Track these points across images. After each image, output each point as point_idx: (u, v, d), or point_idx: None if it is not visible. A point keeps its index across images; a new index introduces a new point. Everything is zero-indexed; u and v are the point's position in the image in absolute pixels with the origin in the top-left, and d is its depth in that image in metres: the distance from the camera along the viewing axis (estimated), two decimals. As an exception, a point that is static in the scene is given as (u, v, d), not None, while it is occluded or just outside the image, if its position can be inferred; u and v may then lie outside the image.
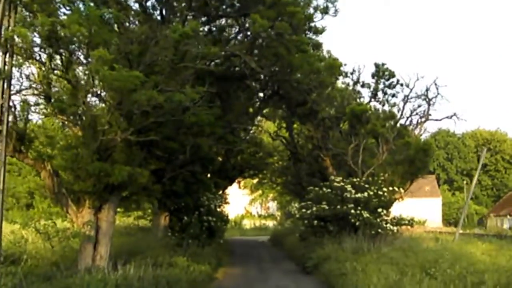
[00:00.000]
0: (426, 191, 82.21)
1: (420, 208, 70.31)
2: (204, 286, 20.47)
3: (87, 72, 15.46)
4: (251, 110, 29.85)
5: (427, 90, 32.25)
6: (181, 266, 20.25)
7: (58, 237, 18.86)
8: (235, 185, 64.47)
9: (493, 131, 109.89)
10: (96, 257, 18.52)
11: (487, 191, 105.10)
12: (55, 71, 16.60)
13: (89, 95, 17.34)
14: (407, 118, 33.84)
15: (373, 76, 34.22)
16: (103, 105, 17.80)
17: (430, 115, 32.57)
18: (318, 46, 25.24)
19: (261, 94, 31.41)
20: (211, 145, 24.21)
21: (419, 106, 33.71)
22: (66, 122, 19.11)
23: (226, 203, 38.57)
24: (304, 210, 29.60)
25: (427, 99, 32.22)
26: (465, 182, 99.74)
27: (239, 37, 23.45)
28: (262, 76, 26.65)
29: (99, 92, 16.82)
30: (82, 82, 16.18)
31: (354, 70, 35.23)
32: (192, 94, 16.31)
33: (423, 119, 32.83)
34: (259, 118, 45.83)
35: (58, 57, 16.80)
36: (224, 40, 21.70)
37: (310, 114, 31.63)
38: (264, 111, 34.94)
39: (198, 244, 26.62)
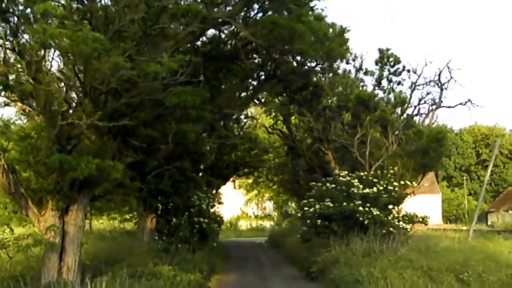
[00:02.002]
0: (425, 187, 79.13)
1: (420, 205, 67.22)
2: (193, 300, 17.05)
3: (36, 37, 11.96)
4: (243, 95, 26.34)
5: (439, 74, 29.03)
6: (166, 276, 16.82)
7: (16, 245, 15.39)
8: (230, 185, 61.62)
9: (491, 126, 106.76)
10: (62, 268, 15.11)
11: (486, 186, 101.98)
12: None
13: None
14: (415, 107, 30.69)
15: (376, 62, 31.12)
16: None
17: (442, 101, 29.32)
18: (320, 19, 21.78)
19: (255, 83, 27.85)
20: (198, 134, 20.66)
21: (428, 93, 30.67)
22: (27, 110, 15.68)
23: (220, 203, 35.24)
24: (306, 209, 26.18)
25: (439, 84, 29.01)
26: (464, 178, 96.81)
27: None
28: (257, 58, 23.35)
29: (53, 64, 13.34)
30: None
31: (356, 57, 32.08)
32: (171, 64, 12.88)
33: (434, 107, 29.56)
34: (253, 111, 42.72)
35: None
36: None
37: (311, 100, 28.29)
38: (260, 96, 31.42)
39: (188, 248, 23.22)
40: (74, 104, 14.62)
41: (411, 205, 27.64)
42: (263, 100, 35.00)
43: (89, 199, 16.25)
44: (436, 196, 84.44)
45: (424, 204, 78.04)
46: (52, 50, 12.64)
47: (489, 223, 75.39)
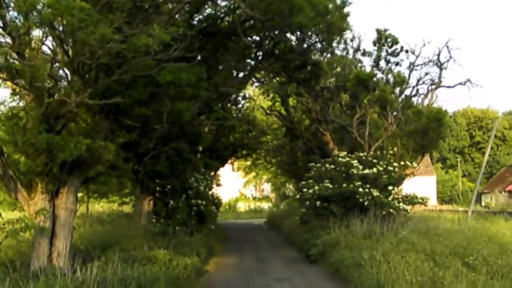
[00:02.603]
0: (420, 169, 78.34)
1: (416, 187, 66.46)
2: (190, 284, 15.99)
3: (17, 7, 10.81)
4: (241, 75, 25.19)
5: (439, 53, 27.94)
6: (161, 261, 15.81)
7: (5, 230, 14.36)
8: (228, 167, 60.82)
9: (484, 109, 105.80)
10: (53, 254, 14.12)
11: (479, 168, 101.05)
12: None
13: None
14: (413, 87, 29.65)
15: (374, 43, 29.98)
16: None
17: (441, 81, 28.23)
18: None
19: (253, 62, 26.61)
20: (194, 113, 19.52)
21: (426, 74, 29.66)
22: (17, 90, 14.58)
23: (218, 185, 34.31)
24: (305, 190, 25.15)
25: (438, 64, 27.91)
26: (458, 160, 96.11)
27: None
28: (255, 36, 22.20)
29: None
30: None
31: (354, 37, 31.03)
32: (162, 36, 11.77)
33: (433, 86, 28.48)
34: (251, 93, 41.70)
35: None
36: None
37: (310, 79, 27.15)
38: (258, 75, 30.23)
39: (186, 231, 22.23)
40: (62, 81, 13.50)
41: (407, 186, 26.71)
42: (261, 80, 33.87)
43: (81, 182, 15.20)
44: (431, 178, 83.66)
45: (420, 185, 77.10)
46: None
47: (483, 204, 74.67)
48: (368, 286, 14.41)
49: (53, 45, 12.61)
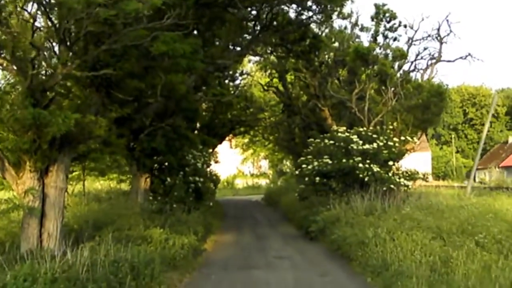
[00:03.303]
0: (416, 145, 77.63)
1: (411, 163, 65.65)
2: (186, 264, 15.01)
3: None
4: (238, 49, 23.96)
5: (439, 27, 26.79)
6: (157, 240, 14.81)
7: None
8: (226, 145, 59.94)
9: (478, 86, 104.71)
10: (43, 235, 13.07)
11: (473, 144, 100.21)
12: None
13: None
14: (412, 62, 28.51)
15: (372, 18, 28.72)
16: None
17: (441, 55, 27.09)
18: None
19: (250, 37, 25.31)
20: (189, 87, 18.34)
21: (425, 48, 28.59)
22: (4, 64, 13.42)
23: (216, 162, 33.31)
24: (304, 166, 24.10)
25: (438, 37, 26.76)
26: (452, 136, 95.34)
27: None
28: (252, 7, 20.95)
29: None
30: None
31: (352, 12, 29.81)
32: (153, 0, 10.62)
33: (433, 61, 27.33)
34: (248, 69, 40.58)
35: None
36: None
37: (309, 52, 26.00)
38: (256, 48, 29.02)
39: (183, 209, 21.26)
40: (48, 52, 12.36)
41: (403, 162, 25.65)
42: (259, 54, 32.62)
43: (71, 159, 14.10)
44: (426, 154, 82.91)
45: (416, 161, 76.42)
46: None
47: (477, 180, 73.95)
48: (373, 265, 13.46)
49: (35, 11, 11.39)
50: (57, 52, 12.43)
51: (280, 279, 13.73)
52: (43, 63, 11.95)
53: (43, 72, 12.51)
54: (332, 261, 16.35)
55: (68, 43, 11.62)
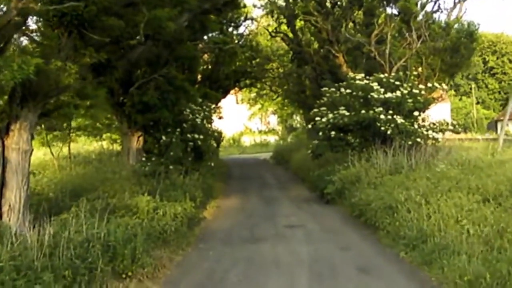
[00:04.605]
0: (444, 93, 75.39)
1: (431, 114, 63.38)
2: (180, 238, 12.90)
3: None
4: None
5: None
6: (144, 210, 12.72)
7: None
8: (232, 100, 57.76)
9: (498, 33, 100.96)
10: (3, 208, 11.00)
11: (494, 94, 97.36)
12: None
13: None
14: (435, 2, 25.92)
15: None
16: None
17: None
18: None
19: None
20: (181, 26, 15.96)
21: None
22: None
23: (220, 117, 31.21)
24: (317, 119, 21.88)
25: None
26: (471, 86, 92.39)
27: None
28: None
29: None
30: None
31: None
32: None
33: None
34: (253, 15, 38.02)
35: None
36: None
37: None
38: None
39: (180, 170, 19.23)
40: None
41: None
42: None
43: (38, 115, 11.92)
44: (446, 105, 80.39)
45: (435, 113, 73.93)
46: None
47: (499, 131, 71.63)
48: (406, 236, 11.37)
49: None
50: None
51: (293, 255, 11.63)
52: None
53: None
54: (354, 230, 14.25)
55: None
